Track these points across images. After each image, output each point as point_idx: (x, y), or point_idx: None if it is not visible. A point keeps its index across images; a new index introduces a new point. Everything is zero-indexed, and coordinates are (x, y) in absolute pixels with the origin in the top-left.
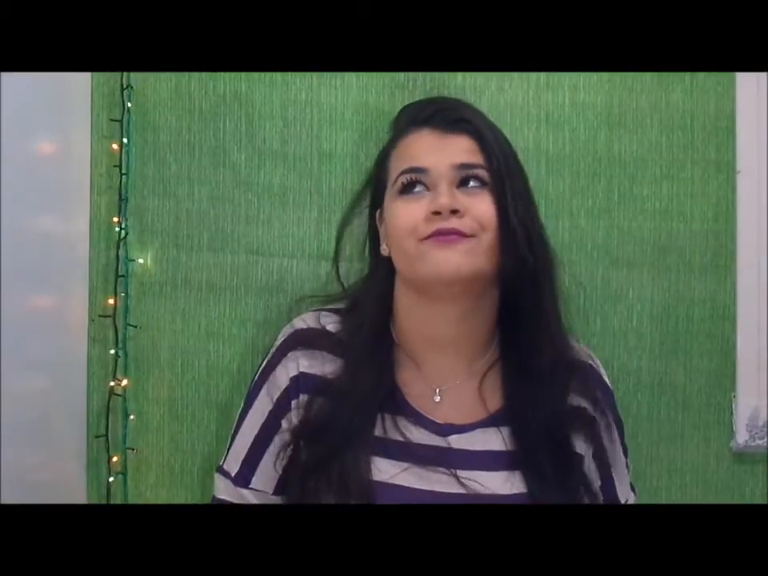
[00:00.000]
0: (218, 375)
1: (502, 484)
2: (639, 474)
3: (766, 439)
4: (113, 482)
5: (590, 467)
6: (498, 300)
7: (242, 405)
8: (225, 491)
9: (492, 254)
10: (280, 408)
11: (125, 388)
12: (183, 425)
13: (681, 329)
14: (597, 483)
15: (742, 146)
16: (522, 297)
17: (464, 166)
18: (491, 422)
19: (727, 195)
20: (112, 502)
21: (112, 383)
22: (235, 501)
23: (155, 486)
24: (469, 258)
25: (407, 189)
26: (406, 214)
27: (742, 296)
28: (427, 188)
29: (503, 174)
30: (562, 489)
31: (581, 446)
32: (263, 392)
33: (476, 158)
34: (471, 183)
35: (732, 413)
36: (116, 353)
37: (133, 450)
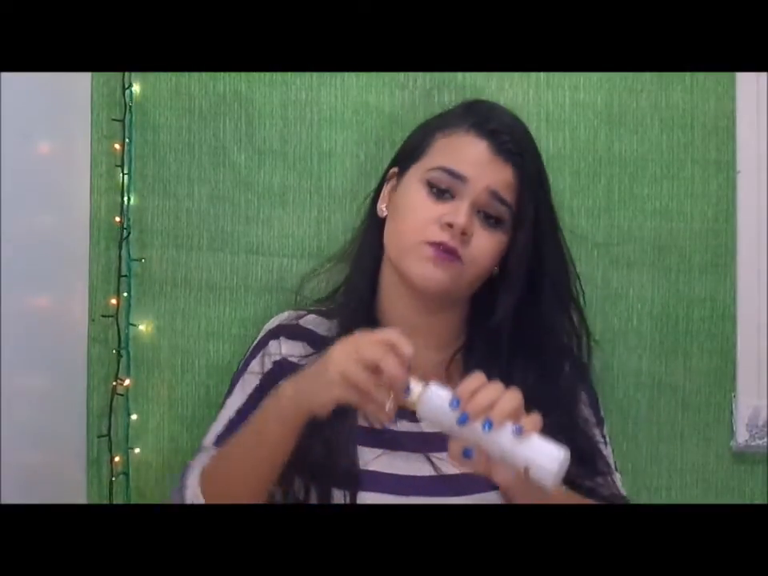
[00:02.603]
0: (218, 375)
1: None
2: (639, 473)
3: (766, 439)
4: (115, 481)
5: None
6: (470, 301)
7: (225, 392)
8: (199, 459)
9: (470, 284)
10: (266, 385)
11: (127, 388)
12: (183, 425)
13: (681, 329)
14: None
15: (741, 146)
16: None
17: (495, 196)
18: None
19: (727, 195)
20: (114, 502)
21: (114, 383)
22: (203, 464)
23: (155, 486)
24: (450, 279)
25: (437, 188)
26: (423, 214)
27: (742, 296)
28: (453, 195)
29: (523, 221)
30: None
31: (548, 420)
32: (248, 374)
33: (510, 195)
34: (491, 217)
35: (732, 413)
36: (118, 352)
37: (135, 449)
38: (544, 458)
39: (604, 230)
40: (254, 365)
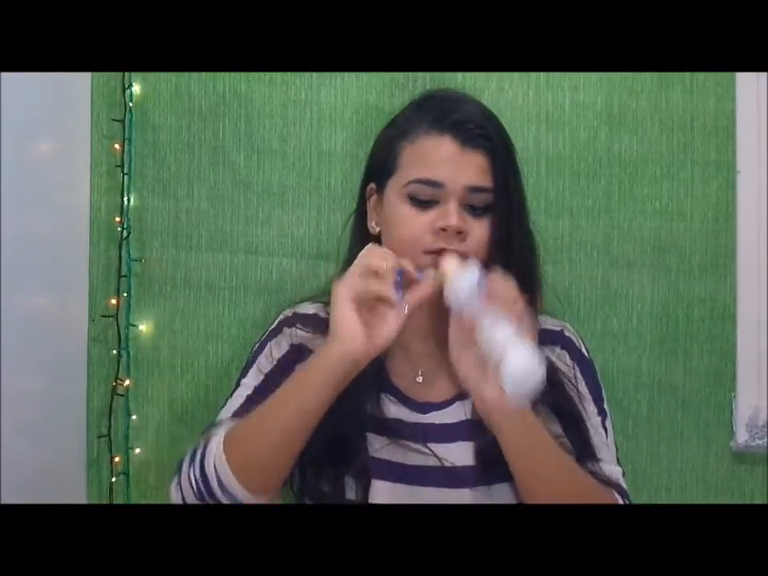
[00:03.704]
0: (218, 375)
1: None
2: (639, 473)
3: (766, 439)
4: (115, 482)
5: (554, 420)
6: None
7: (239, 374)
8: (216, 430)
9: None
10: (285, 365)
11: (127, 388)
12: (183, 425)
13: (681, 329)
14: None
15: (741, 146)
16: None
17: (475, 189)
18: (466, 393)
19: (727, 195)
20: (114, 502)
21: (114, 383)
22: (225, 430)
23: (155, 486)
24: None
25: (419, 199)
26: (415, 225)
27: (742, 296)
28: (436, 200)
29: (507, 200)
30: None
31: (548, 410)
32: (264, 355)
33: (486, 179)
34: (477, 207)
35: (732, 413)
36: (118, 353)
37: (134, 449)
38: (515, 359)
39: (604, 230)
40: (270, 347)
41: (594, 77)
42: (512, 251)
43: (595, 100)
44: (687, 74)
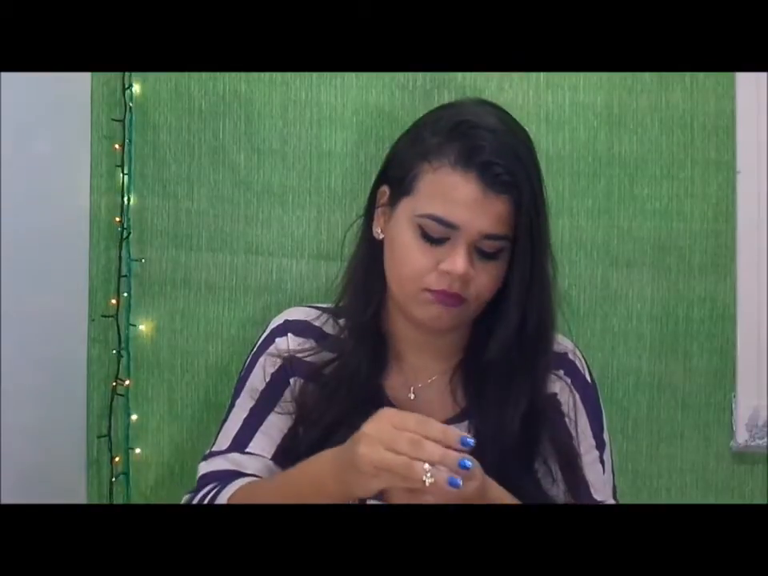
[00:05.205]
0: (218, 375)
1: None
2: (639, 473)
3: (766, 439)
4: (115, 482)
5: (551, 458)
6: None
7: (232, 392)
8: (213, 465)
9: (476, 312)
10: (279, 381)
11: (127, 388)
12: (183, 425)
13: (681, 329)
14: (559, 476)
15: (741, 146)
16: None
17: (490, 236)
18: (462, 416)
19: (727, 195)
20: (114, 502)
21: (114, 383)
22: (226, 468)
23: (155, 486)
24: (456, 318)
25: (430, 235)
26: (420, 262)
27: (742, 296)
28: (447, 237)
29: (531, 252)
30: (514, 481)
31: (542, 437)
32: (256, 372)
33: (503, 228)
34: (488, 253)
35: (732, 413)
36: (118, 353)
37: (134, 449)
38: None
39: (604, 230)
40: (261, 363)
41: (594, 77)
42: (528, 296)
43: (595, 100)
44: (687, 74)
